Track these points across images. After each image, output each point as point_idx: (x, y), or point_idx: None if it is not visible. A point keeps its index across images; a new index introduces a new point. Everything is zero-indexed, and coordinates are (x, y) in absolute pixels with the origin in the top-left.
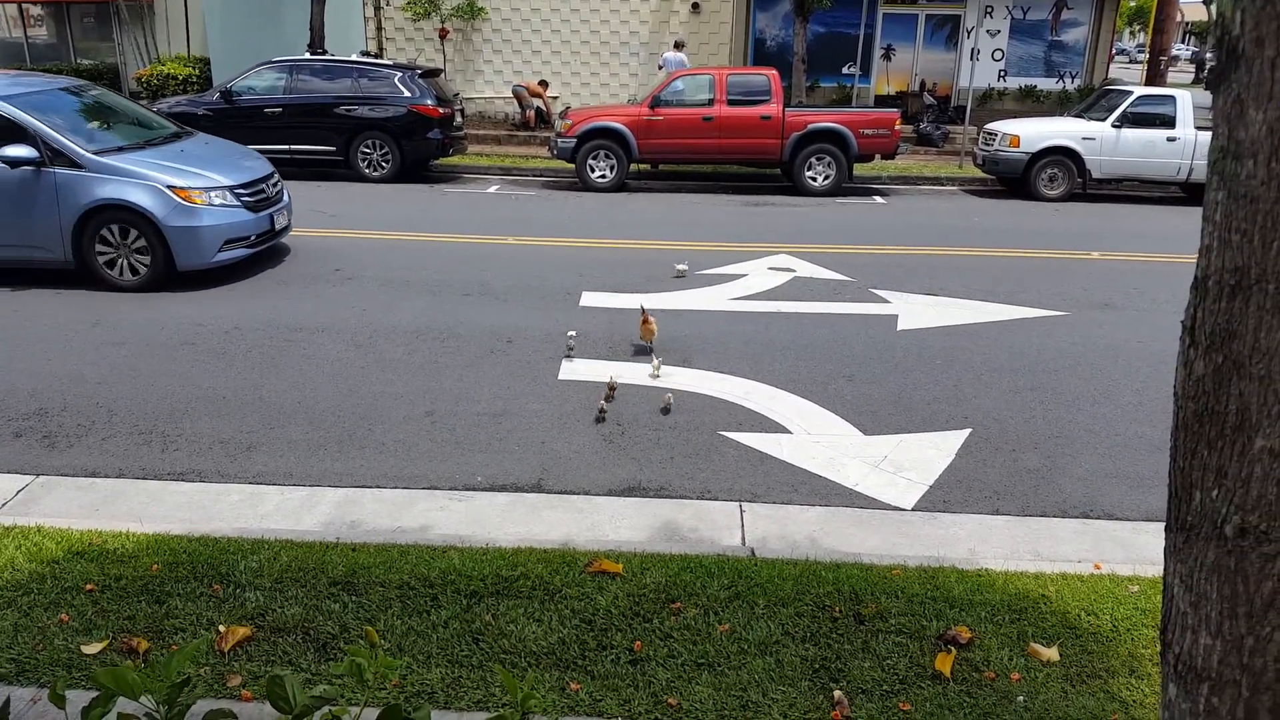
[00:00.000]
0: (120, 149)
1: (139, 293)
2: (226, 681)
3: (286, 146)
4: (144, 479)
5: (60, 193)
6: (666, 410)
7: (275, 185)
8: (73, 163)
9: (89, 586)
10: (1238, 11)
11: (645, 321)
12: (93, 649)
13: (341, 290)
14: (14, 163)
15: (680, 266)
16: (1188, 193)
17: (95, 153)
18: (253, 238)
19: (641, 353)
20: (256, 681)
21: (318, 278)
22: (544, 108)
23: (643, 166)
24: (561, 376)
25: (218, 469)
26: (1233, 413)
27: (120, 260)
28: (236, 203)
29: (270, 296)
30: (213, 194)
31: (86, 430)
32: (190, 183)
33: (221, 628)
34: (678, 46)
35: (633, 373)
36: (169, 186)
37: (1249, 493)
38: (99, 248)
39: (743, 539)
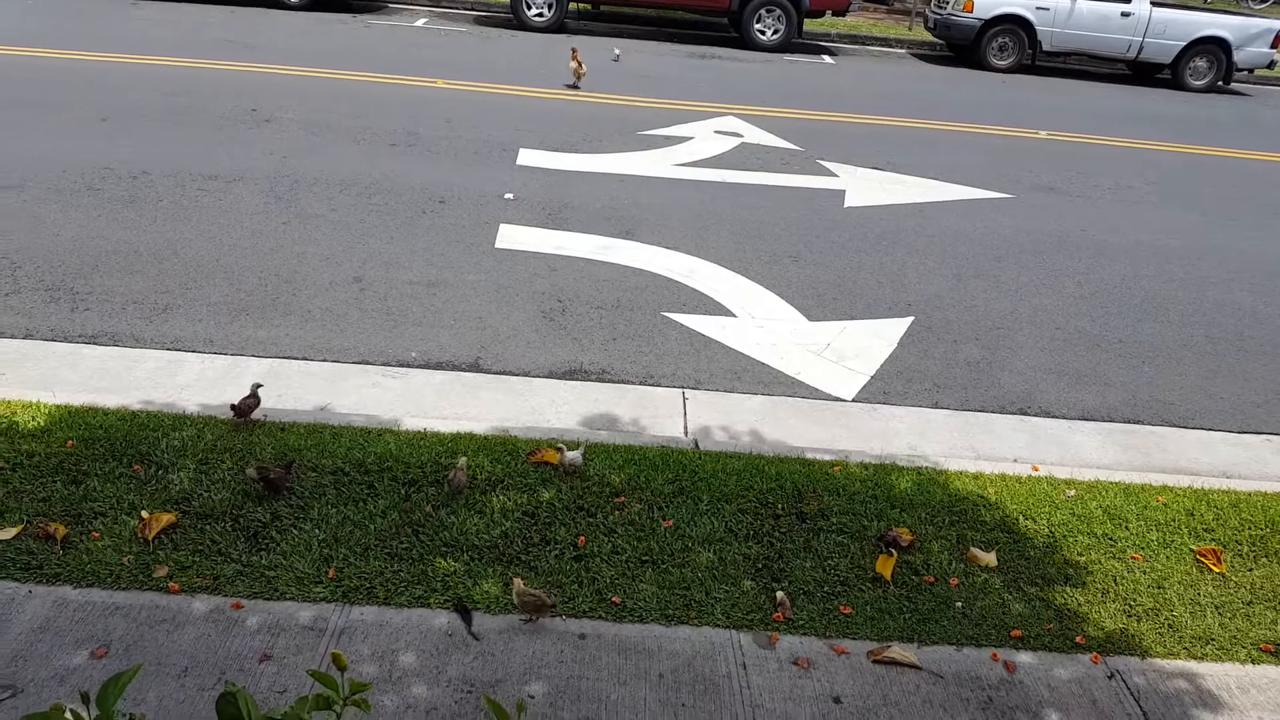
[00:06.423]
0: None
1: None
2: (153, 572)
3: None
4: (53, 341)
5: None
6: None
7: None
8: None
9: None
10: None
11: (578, 61)
12: (6, 535)
13: (259, 133)
14: None
15: (616, 51)
16: (1134, 70)
17: None
18: None
19: (577, 222)
20: (184, 572)
21: (233, 117)
22: None
23: (583, 5)
24: (499, 245)
25: (132, 332)
26: None
27: None
28: None
29: (179, 137)
30: None
31: None
32: None
33: (145, 514)
34: None
35: (575, 245)
36: None
37: None
38: None
39: (685, 429)
